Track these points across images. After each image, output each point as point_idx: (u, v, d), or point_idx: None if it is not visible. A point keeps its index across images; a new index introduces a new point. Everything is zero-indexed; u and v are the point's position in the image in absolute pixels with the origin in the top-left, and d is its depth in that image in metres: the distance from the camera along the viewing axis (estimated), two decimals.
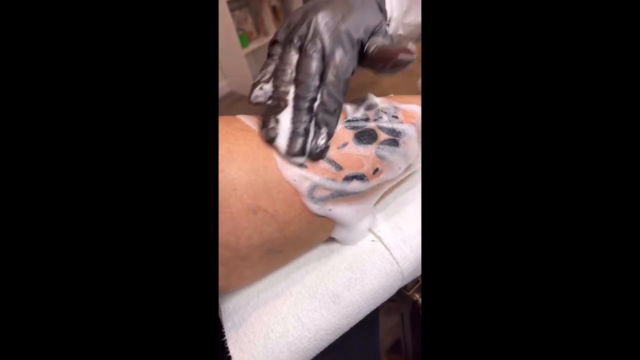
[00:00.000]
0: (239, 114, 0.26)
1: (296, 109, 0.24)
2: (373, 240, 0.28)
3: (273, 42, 0.27)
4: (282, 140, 0.23)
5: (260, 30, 2.07)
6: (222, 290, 0.25)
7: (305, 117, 0.23)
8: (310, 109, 0.24)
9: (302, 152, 0.23)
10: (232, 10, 1.86)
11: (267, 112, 0.24)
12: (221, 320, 0.26)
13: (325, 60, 0.24)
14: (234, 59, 1.98)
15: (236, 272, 0.24)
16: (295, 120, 0.23)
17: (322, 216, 0.24)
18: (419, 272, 0.28)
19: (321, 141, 0.24)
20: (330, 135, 0.24)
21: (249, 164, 0.22)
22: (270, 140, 0.23)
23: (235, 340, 0.24)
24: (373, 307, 0.27)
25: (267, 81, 0.25)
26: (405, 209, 0.30)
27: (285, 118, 0.23)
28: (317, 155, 0.24)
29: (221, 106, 2.05)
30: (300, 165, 0.23)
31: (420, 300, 0.37)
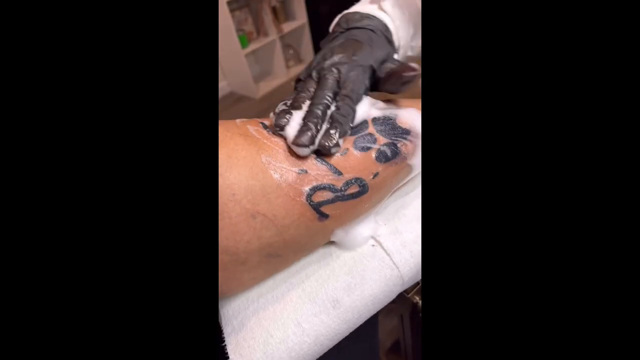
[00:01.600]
0: (239, 114, 0.27)
1: (309, 111, 0.25)
2: (373, 245, 0.28)
3: (297, 81, 0.29)
4: (291, 130, 0.24)
5: (260, 30, 2.07)
6: (222, 295, 0.25)
7: (316, 117, 0.24)
8: (324, 113, 0.25)
9: (308, 143, 0.24)
10: (232, 10, 1.86)
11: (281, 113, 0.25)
12: (221, 325, 0.26)
13: (340, 83, 0.26)
14: (234, 59, 1.98)
15: (235, 277, 0.24)
16: (306, 117, 0.24)
17: (321, 221, 0.24)
18: (419, 277, 0.28)
19: (333, 138, 0.24)
20: (342, 134, 0.25)
21: (248, 169, 0.22)
22: (279, 128, 0.24)
23: (235, 345, 0.24)
24: (373, 312, 0.26)
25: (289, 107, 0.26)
26: (405, 212, 0.30)
27: (297, 114, 0.25)
28: (327, 149, 0.24)
29: (221, 106, 2.05)
30: (301, 171, 0.23)
31: (420, 302, 0.37)
